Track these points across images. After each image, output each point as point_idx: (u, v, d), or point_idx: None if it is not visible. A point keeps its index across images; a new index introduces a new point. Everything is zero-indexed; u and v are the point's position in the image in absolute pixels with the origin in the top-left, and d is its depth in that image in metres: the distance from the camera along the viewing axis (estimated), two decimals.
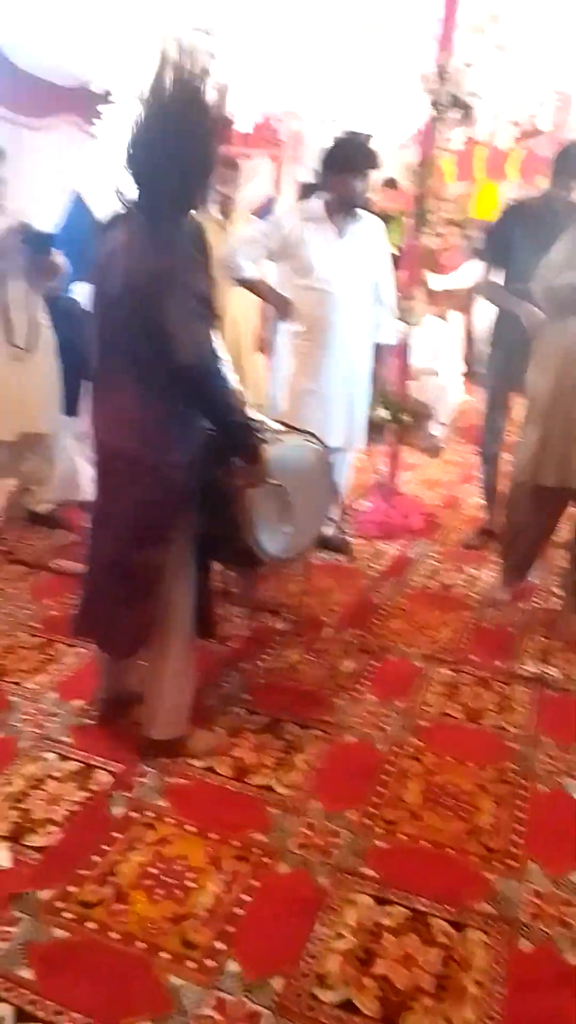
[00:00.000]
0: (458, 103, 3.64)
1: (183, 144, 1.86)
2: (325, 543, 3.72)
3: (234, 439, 2.09)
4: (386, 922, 1.81)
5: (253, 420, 2.13)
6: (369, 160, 3.21)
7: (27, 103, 4.66)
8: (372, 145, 3.25)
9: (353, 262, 3.33)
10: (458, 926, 1.81)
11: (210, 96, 1.89)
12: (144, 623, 2.16)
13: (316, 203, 3.33)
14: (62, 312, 3.55)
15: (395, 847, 2.04)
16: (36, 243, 3.44)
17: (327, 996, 1.63)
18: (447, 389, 5.95)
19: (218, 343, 2.06)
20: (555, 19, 4.30)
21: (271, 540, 2.22)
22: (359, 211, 3.34)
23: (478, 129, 5.01)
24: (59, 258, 3.54)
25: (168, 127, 1.85)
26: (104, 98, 4.69)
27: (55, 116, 4.90)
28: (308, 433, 2.34)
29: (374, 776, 2.28)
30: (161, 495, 2.05)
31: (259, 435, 2.12)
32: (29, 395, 3.64)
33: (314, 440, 2.30)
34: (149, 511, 2.07)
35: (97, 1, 4.08)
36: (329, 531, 3.77)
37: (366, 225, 3.38)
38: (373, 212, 3.53)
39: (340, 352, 3.40)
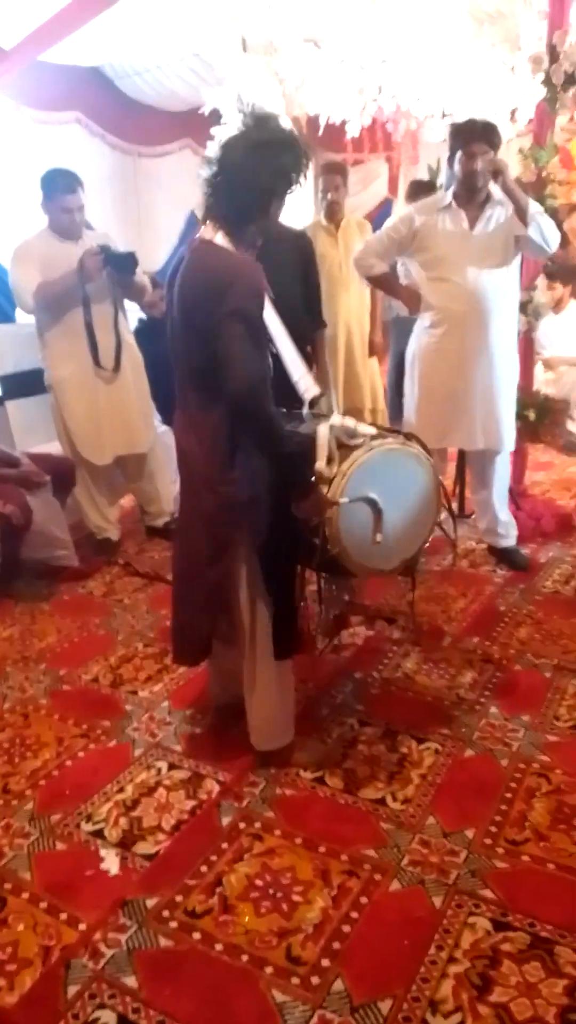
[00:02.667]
0: (574, 81, 3.43)
1: (241, 166, 1.90)
2: (506, 556, 3.60)
3: (284, 472, 2.03)
4: (506, 948, 1.68)
5: (338, 426, 2.04)
6: (473, 134, 3.00)
7: (141, 133, 4.83)
8: (484, 123, 3.04)
9: (488, 250, 3.15)
10: None
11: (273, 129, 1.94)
12: (202, 633, 2.19)
13: (446, 193, 3.22)
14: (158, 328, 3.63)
15: (518, 869, 1.89)
16: (117, 264, 3.48)
17: (439, 1023, 1.52)
18: None
19: (295, 356, 2.03)
20: None
21: (363, 550, 2.08)
22: (495, 195, 3.14)
23: None
24: (143, 277, 3.58)
25: (231, 154, 1.92)
26: (215, 119, 4.78)
27: (169, 143, 5.07)
28: (406, 435, 2.20)
29: (497, 793, 2.14)
30: (220, 510, 2.05)
31: (349, 442, 2.03)
32: (122, 417, 3.71)
33: (414, 444, 2.17)
34: (210, 525, 2.08)
35: (202, 20, 4.17)
36: (509, 543, 3.62)
37: (507, 210, 3.14)
38: None
39: (476, 346, 3.21)
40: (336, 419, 2.06)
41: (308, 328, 3.30)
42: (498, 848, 1.95)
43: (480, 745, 2.34)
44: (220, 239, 1.96)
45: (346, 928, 1.74)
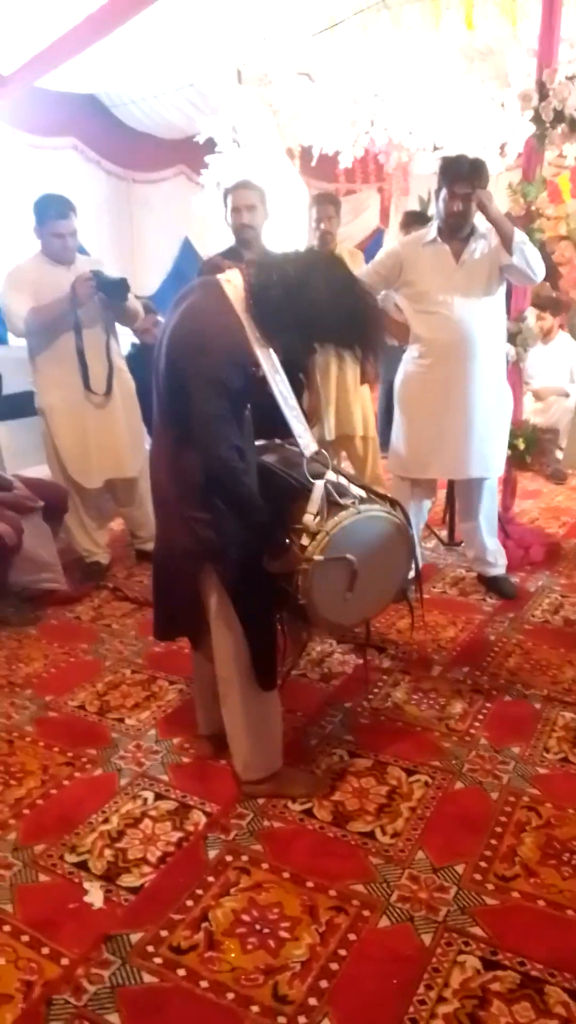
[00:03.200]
0: (562, 118, 3.50)
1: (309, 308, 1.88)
2: (495, 585, 3.61)
3: (254, 536, 2.04)
4: (495, 987, 1.65)
5: (333, 483, 2.06)
6: (459, 175, 3.04)
7: (136, 159, 4.88)
8: (472, 163, 3.08)
9: (473, 282, 3.20)
10: None
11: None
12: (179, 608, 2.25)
13: (431, 227, 3.28)
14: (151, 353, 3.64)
15: (508, 905, 1.87)
16: (109, 289, 3.47)
17: None
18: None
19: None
20: None
21: (329, 606, 2.10)
22: (479, 228, 3.19)
23: None
24: (136, 302, 3.59)
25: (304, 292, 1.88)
26: (209, 148, 4.84)
27: (164, 169, 5.12)
28: (391, 501, 2.24)
29: (486, 827, 2.12)
30: (192, 546, 2.07)
31: (339, 500, 2.05)
32: (111, 442, 3.71)
33: (396, 510, 2.20)
34: (181, 556, 2.12)
35: (197, 52, 4.23)
36: (497, 572, 3.63)
37: (490, 242, 3.19)
38: None
39: (462, 376, 3.24)
40: (331, 476, 2.08)
41: (301, 355, 3.32)
42: (488, 884, 1.93)
43: (470, 777, 2.32)
44: (230, 284, 1.95)
45: (334, 966, 1.71)
